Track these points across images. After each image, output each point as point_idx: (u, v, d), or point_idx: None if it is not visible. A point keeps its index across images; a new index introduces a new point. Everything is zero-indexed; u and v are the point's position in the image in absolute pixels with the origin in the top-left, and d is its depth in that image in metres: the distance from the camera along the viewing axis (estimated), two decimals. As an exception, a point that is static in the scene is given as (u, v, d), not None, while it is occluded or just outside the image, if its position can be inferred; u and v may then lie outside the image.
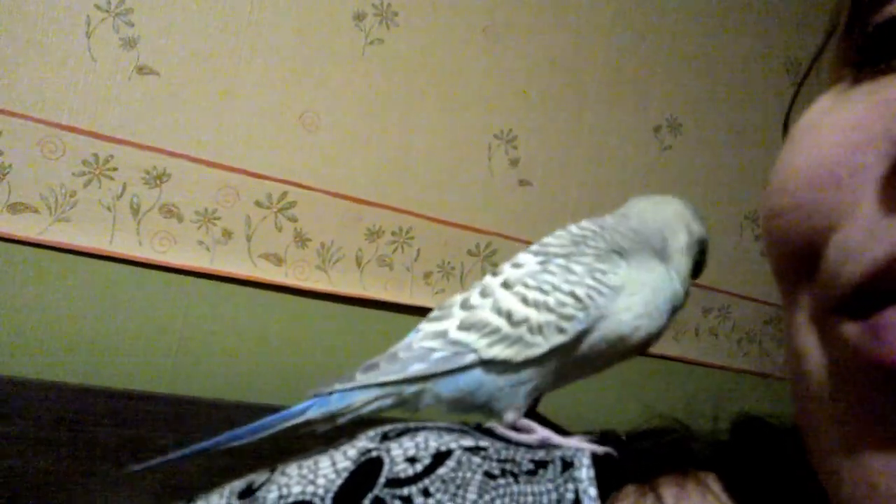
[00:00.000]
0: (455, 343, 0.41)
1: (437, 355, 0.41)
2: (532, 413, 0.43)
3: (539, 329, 0.40)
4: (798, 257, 0.25)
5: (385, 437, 0.36)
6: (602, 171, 1.32)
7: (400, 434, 0.36)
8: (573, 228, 0.46)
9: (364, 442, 0.35)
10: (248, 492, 0.33)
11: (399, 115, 1.15)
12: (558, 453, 0.37)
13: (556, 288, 0.41)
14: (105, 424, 0.91)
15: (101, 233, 0.97)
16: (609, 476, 0.35)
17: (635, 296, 0.42)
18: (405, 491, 0.32)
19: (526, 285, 0.42)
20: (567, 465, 0.36)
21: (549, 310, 0.41)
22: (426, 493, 0.32)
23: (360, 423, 0.40)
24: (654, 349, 1.31)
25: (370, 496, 0.32)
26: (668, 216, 0.48)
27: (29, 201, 0.93)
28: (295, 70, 1.07)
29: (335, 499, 0.32)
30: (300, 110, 1.07)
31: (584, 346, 0.41)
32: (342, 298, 1.10)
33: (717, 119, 1.41)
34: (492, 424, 0.41)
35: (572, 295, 0.41)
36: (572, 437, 0.40)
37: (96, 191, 0.96)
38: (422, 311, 1.18)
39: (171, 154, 1.00)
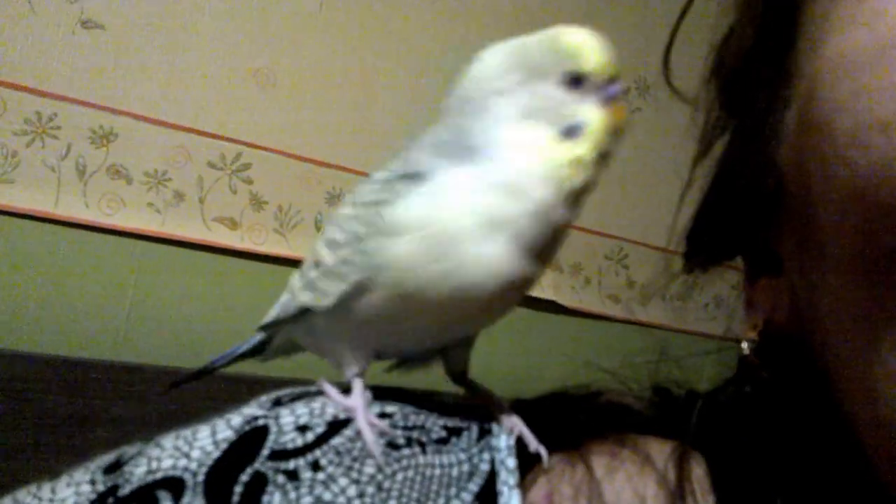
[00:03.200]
0: (290, 287, 0.38)
1: (282, 299, 0.38)
2: (460, 378, 0.38)
3: (327, 273, 0.33)
4: None
5: (277, 403, 0.32)
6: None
7: (294, 399, 0.32)
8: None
9: (252, 408, 0.31)
10: (115, 465, 0.29)
11: (359, 72, 1.11)
12: (476, 419, 0.33)
13: (343, 223, 0.33)
14: (53, 393, 0.88)
15: (46, 195, 0.92)
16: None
17: (420, 233, 0.30)
18: (291, 464, 0.29)
19: (335, 220, 0.35)
20: (485, 431, 0.32)
21: (335, 250, 0.33)
22: (316, 466, 0.29)
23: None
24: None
25: (249, 470, 0.28)
26: (490, 70, 0.32)
27: (-32, 162, 0.89)
28: (249, 24, 1.03)
29: (209, 474, 0.28)
30: (254, 67, 1.03)
31: (379, 300, 0.32)
32: (301, 263, 1.07)
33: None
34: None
35: (352, 233, 0.32)
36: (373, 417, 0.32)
37: (40, 151, 0.92)
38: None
39: (119, 112, 0.95)
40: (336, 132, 1.09)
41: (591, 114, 0.31)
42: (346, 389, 0.34)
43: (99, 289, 0.95)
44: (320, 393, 0.33)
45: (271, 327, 0.40)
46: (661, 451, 0.31)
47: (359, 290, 0.32)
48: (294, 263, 1.06)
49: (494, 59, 0.33)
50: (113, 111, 0.95)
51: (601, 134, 0.31)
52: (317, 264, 0.35)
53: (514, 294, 0.32)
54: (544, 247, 0.31)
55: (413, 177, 0.32)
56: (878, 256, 0.21)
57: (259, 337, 0.42)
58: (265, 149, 1.04)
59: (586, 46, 0.31)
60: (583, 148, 0.31)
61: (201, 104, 1.00)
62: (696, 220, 0.33)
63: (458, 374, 0.38)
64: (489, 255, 0.30)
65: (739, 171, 0.30)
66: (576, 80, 0.31)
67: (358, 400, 0.32)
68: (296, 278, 0.37)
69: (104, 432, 0.89)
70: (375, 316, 0.33)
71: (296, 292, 0.36)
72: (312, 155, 1.08)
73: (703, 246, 0.33)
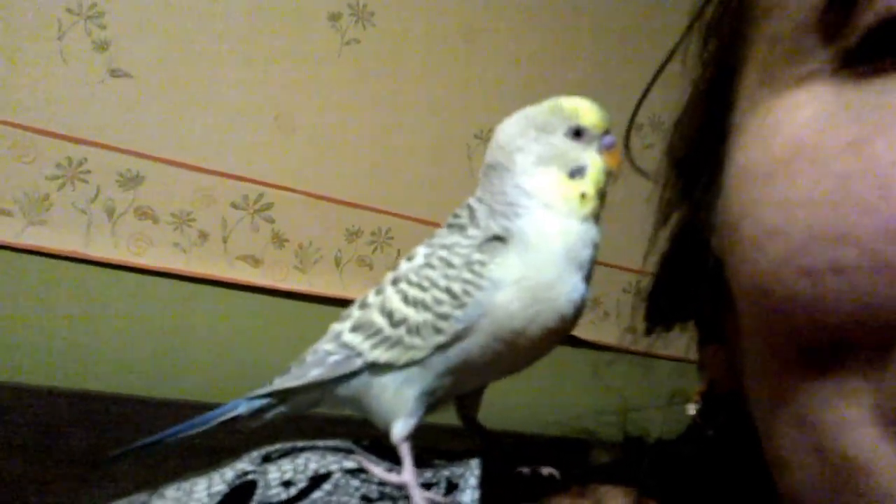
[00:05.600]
0: (345, 346, 0.39)
1: (331, 359, 0.39)
2: (470, 421, 0.41)
3: (417, 330, 0.37)
4: (862, 332, 0.20)
5: (266, 459, 0.35)
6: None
7: (282, 455, 0.35)
8: (462, 209, 0.41)
9: (244, 463, 0.34)
10: None
11: (377, 115, 1.15)
12: (445, 473, 0.36)
13: (434, 284, 0.37)
14: (79, 427, 0.90)
15: (76, 236, 0.96)
16: (498, 496, 0.34)
17: (522, 283, 0.36)
18: None
19: (409, 281, 0.39)
20: (452, 486, 0.35)
21: (427, 308, 0.37)
22: None
23: (291, 419, 0.42)
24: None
25: None
26: (508, 135, 0.40)
27: (2, 205, 0.93)
28: (270, 70, 1.07)
29: None
30: (275, 111, 1.07)
31: (472, 345, 0.36)
32: (321, 299, 1.10)
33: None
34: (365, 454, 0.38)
35: (448, 291, 0.37)
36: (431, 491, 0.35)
37: (70, 194, 0.96)
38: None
39: (145, 156, 1.00)
40: (354, 172, 1.13)
41: (591, 159, 0.39)
42: (370, 446, 0.38)
43: (126, 326, 0.99)
44: (306, 449, 0.36)
45: (300, 391, 0.41)
46: (619, 500, 0.33)
47: (454, 339, 0.36)
48: (314, 299, 1.09)
49: (510, 127, 0.40)
50: (140, 155, 0.99)
51: (599, 174, 0.39)
52: (396, 324, 0.38)
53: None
54: (591, 268, 0.38)
55: (494, 238, 0.38)
56: (775, 344, 0.23)
57: (258, 403, 0.42)
58: (286, 189, 1.08)
59: (583, 107, 0.39)
60: (586, 185, 0.38)
61: (225, 147, 1.04)
62: (653, 284, 0.35)
63: (470, 418, 0.41)
64: (572, 291, 0.37)
65: (684, 248, 0.33)
66: (577, 133, 0.39)
67: (409, 476, 0.35)
68: (356, 339, 0.39)
69: (129, 465, 0.91)
70: (464, 361, 0.37)
71: (364, 352, 0.38)
72: (331, 194, 1.11)
73: (660, 309, 0.35)
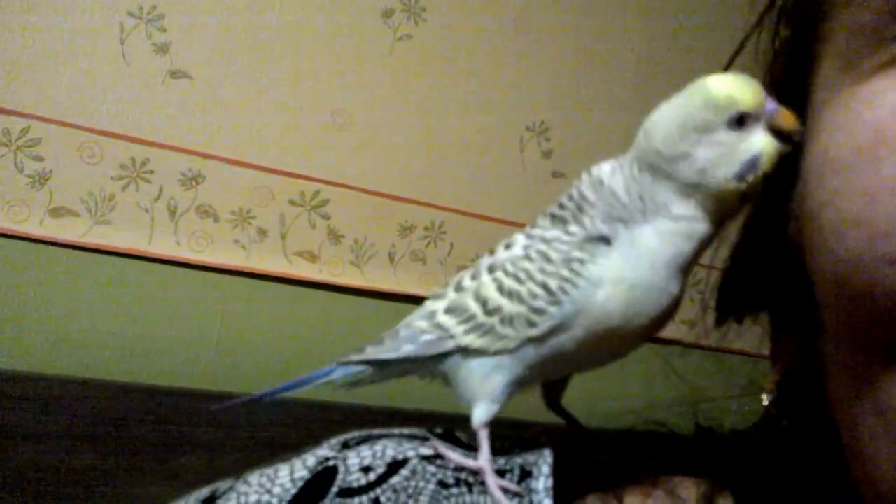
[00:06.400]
0: (439, 326, 0.39)
1: (424, 338, 0.39)
2: (555, 405, 0.41)
3: (510, 321, 0.36)
4: None
5: (345, 446, 0.36)
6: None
7: (360, 442, 0.36)
8: (569, 198, 0.38)
9: (324, 450, 0.36)
10: (210, 500, 0.34)
11: (429, 109, 1.15)
12: (518, 460, 0.37)
13: (530, 277, 0.36)
14: (146, 421, 0.93)
15: (140, 234, 0.99)
16: (570, 484, 0.35)
17: (621, 285, 0.34)
18: (355, 501, 0.33)
19: (505, 271, 0.37)
20: (525, 473, 0.36)
21: (521, 301, 0.36)
22: (376, 502, 0.33)
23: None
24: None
25: None
26: (668, 140, 0.34)
27: (70, 205, 0.96)
28: (325, 69, 1.09)
29: None
30: (331, 108, 1.09)
31: (566, 340, 0.36)
32: (376, 293, 1.12)
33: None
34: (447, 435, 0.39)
35: (544, 287, 0.36)
36: (504, 480, 0.36)
37: (134, 193, 0.99)
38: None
39: (206, 155, 1.02)
40: (407, 167, 1.14)
41: (761, 142, 0.33)
42: (444, 434, 0.38)
43: (189, 321, 1.01)
44: (382, 436, 0.37)
45: (392, 363, 0.41)
46: (692, 491, 0.34)
47: (547, 333, 0.36)
48: (368, 294, 1.11)
49: (668, 128, 0.35)
50: (201, 155, 1.02)
51: (773, 154, 0.33)
52: (490, 312, 0.37)
53: None
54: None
55: (599, 239, 0.36)
56: (856, 333, 0.23)
57: (351, 370, 0.42)
58: (342, 185, 1.09)
59: (738, 91, 0.33)
60: (756, 181, 0.33)
61: (283, 146, 1.06)
62: (724, 276, 0.35)
63: (554, 400, 0.41)
64: (673, 293, 0.35)
65: (757, 237, 0.33)
66: (740, 121, 0.33)
67: (485, 462, 0.35)
68: (449, 321, 0.39)
69: (194, 457, 0.94)
70: (556, 352, 0.36)
71: (457, 335, 0.38)
72: (385, 189, 1.12)
73: (732, 300, 0.35)
